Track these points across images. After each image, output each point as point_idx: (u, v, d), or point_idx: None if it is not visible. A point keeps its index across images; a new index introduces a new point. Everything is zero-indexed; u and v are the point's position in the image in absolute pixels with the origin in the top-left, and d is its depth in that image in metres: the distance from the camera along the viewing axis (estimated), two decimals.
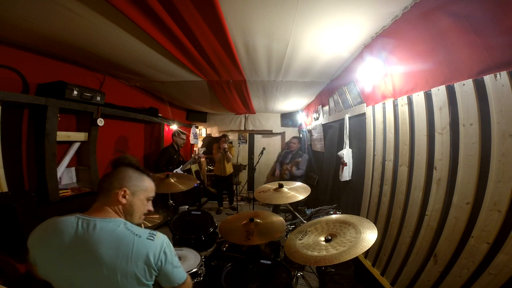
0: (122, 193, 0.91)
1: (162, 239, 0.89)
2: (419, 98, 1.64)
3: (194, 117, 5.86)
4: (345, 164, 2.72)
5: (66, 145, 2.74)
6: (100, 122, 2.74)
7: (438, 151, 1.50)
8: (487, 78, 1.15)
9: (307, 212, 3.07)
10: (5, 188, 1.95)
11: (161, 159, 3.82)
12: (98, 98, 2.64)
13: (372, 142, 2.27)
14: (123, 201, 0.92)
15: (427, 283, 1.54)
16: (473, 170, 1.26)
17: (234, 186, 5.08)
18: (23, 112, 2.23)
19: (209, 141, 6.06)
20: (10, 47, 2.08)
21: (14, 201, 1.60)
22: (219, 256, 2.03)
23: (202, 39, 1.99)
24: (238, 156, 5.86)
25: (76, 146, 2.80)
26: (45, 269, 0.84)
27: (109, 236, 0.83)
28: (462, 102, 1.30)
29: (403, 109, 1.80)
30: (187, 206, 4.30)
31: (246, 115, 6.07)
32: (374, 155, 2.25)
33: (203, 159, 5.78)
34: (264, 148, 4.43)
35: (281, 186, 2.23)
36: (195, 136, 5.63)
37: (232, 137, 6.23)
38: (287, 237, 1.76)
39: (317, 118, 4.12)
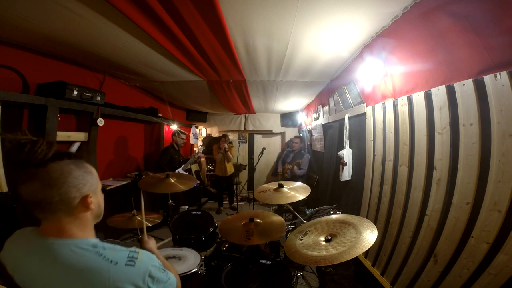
0: (88, 200, 0.70)
1: (145, 262, 0.68)
2: (419, 98, 1.64)
3: (194, 117, 5.86)
4: (345, 164, 2.72)
5: (66, 145, 2.74)
6: (100, 122, 2.74)
7: (438, 151, 1.50)
8: (487, 78, 1.15)
9: (307, 212, 3.07)
10: (5, 188, 1.95)
11: (162, 159, 3.83)
12: (98, 98, 2.64)
13: (372, 142, 2.27)
14: (92, 207, 0.71)
15: (427, 283, 1.54)
16: (473, 170, 1.26)
17: (234, 186, 5.08)
18: (23, 112, 2.23)
19: (209, 141, 6.06)
20: (10, 47, 2.09)
21: (14, 201, 1.61)
22: (219, 256, 2.03)
23: (202, 39, 1.99)
24: (238, 156, 5.86)
25: (76, 146, 2.80)
26: None
27: (73, 266, 0.61)
28: (462, 102, 1.30)
29: (403, 109, 1.80)
30: (187, 206, 4.30)
31: (246, 115, 6.07)
32: (374, 155, 2.25)
33: (203, 159, 5.78)
34: (264, 148, 4.43)
35: (281, 186, 2.23)
36: (195, 136, 5.64)
37: (232, 137, 6.23)
38: (287, 237, 1.76)
39: (317, 118, 4.12)
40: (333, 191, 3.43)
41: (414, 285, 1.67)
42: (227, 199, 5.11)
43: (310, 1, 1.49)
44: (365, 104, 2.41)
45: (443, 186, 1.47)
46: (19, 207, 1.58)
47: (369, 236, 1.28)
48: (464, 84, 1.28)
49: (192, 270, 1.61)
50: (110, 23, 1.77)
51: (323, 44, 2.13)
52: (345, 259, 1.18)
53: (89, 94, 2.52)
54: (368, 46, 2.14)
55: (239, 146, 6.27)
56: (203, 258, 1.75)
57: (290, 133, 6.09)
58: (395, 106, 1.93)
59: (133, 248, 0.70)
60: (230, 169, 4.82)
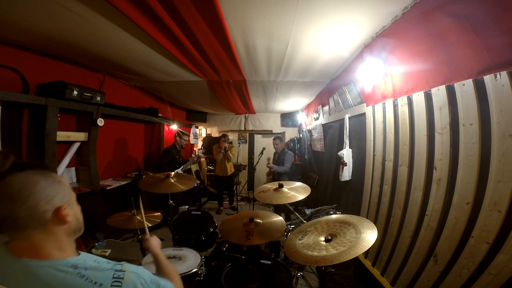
0: (63, 212, 0.62)
1: (133, 281, 0.63)
2: (419, 98, 1.64)
3: (194, 117, 5.87)
4: (345, 164, 2.72)
5: (66, 145, 2.74)
6: (100, 122, 2.74)
7: (438, 151, 1.50)
8: (487, 78, 1.15)
9: (307, 212, 3.07)
10: None
11: (164, 158, 3.83)
12: (98, 98, 2.64)
13: (372, 142, 2.27)
14: (68, 219, 0.63)
15: (427, 283, 1.54)
16: (473, 170, 1.26)
17: (234, 186, 5.08)
18: (23, 112, 2.23)
19: (209, 141, 6.06)
20: (10, 47, 2.09)
21: None
22: (219, 256, 2.03)
23: (202, 39, 1.99)
24: (238, 156, 5.86)
25: (76, 146, 2.80)
26: None
27: None
28: (462, 102, 1.30)
29: (403, 109, 1.80)
30: (187, 206, 4.31)
31: (246, 115, 6.07)
32: (374, 155, 2.25)
33: (203, 159, 5.78)
34: (264, 148, 4.43)
35: (281, 186, 2.23)
36: (195, 136, 5.64)
37: (232, 137, 6.23)
38: (287, 237, 1.76)
39: (317, 118, 4.12)
40: (333, 191, 3.43)
41: (414, 285, 1.67)
42: (227, 199, 5.11)
43: (310, 1, 1.49)
44: (365, 104, 2.41)
45: (443, 186, 1.47)
46: None
47: (369, 236, 1.28)
48: (464, 84, 1.28)
49: (192, 270, 1.61)
50: (110, 23, 1.77)
51: (323, 44, 2.13)
52: (345, 259, 1.18)
53: (89, 94, 2.52)
54: (368, 46, 2.14)
55: (239, 146, 6.27)
56: (203, 258, 1.75)
57: (290, 133, 6.09)
58: (395, 106, 1.93)
59: (118, 266, 0.64)
60: (230, 169, 4.82)
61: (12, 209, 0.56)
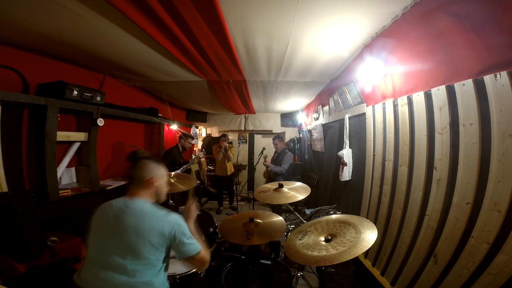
0: (154, 180, 1.24)
1: (175, 217, 1.19)
2: (419, 98, 1.64)
3: (194, 117, 5.87)
4: (345, 164, 2.72)
5: (66, 145, 2.74)
6: (100, 122, 2.74)
7: (438, 151, 1.50)
8: (487, 78, 1.15)
9: (307, 212, 3.07)
10: (5, 188, 1.94)
11: (165, 160, 3.82)
12: (98, 98, 2.64)
13: (372, 142, 2.27)
14: (155, 186, 1.25)
15: (427, 283, 1.54)
16: (473, 170, 1.26)
17: (234, 186, 5.08)
18: (23, 112, 2.23)
19: (209, 141, 6.06)
20: (10, 47, 2.08)
21: (14, 201, 1.60)
22: (219, 256, 2.03)
23: (202, 39, 1.99)
24: (238, 156, 5.86)
25: (76, 146, 2.79)
26: (92, 237, 1.17)
27: (138, 211, 1.15)
28: (462, 102, 1.30)
29: (403, 109, 1.80)
30: None
31: (246, 115, 6.07)
32: (374, 155, 2.25)
33: (203, 159, 5.78)
34: (264, 148, 4.43)
35: (281, 186, 2.23)
36: (195, 136, 5.64)
37: (232, 137, 6.23)
38: (287, 237, 1.76)
39: (317, 118, 4.12)
40: (333, 191, 3.43)
41: (414, 285, 1.67)
42: (227, 199, 5.11)
43: (310, 1, 1.49)
44: (365, 104, 2.41)
45: (443, 186, 1.47)
46: (19, 207, 1.58)
47: (369, 236, 1.28)
48: (464, 84, 1.28)
49: (192, 270, 1.61)
50: (110, 23, 1.77)
51: (323, 44, 2.13)
52: (345, 259, 1.18)
53: (89, 94, 2.52)
54: (368, 46, 2.14)
55: (239, 146, 6.27)
56: None
57: (290, 133, 6.09)
58: (395, 106, 1.93)
59: (169, 211, 1.21)
60: (230, 169, 4.82)
61: (144, 174, 1.25)
